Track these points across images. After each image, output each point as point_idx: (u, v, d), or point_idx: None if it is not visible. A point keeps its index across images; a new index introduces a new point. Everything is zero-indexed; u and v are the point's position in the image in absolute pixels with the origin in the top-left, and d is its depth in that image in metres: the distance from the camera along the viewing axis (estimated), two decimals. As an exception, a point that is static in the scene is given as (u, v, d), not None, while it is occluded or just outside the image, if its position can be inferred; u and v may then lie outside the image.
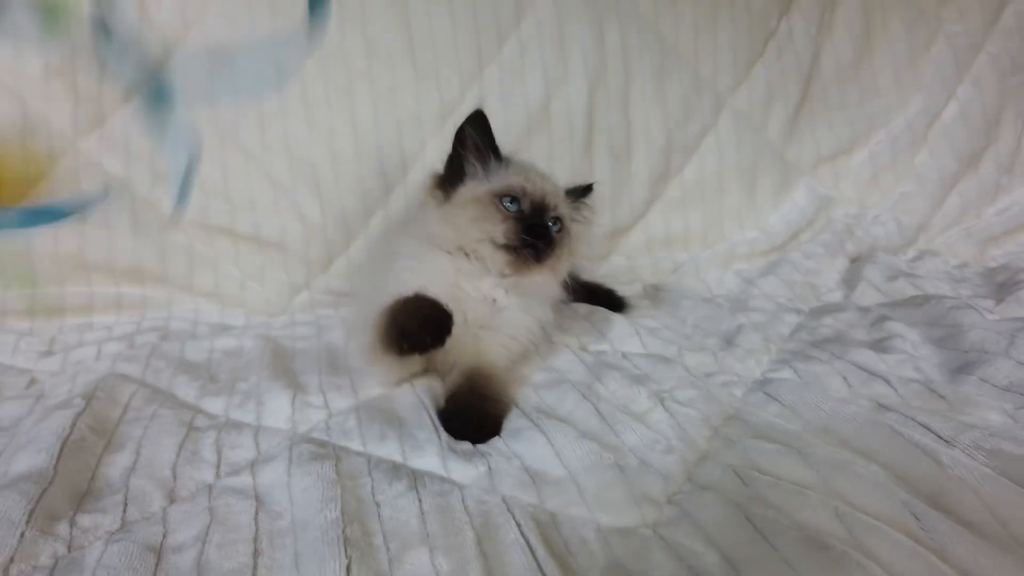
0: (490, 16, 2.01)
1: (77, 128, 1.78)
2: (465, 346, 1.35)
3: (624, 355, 1.49)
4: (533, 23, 2.04)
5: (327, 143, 1.93)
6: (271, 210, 1.91)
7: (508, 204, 1.37)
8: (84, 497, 0.99)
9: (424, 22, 1.97)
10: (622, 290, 1.95)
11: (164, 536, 0.91)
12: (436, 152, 2.00)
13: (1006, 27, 2.43)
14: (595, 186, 1.61)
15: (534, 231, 1.35)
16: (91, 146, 1.79)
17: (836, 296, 1.99)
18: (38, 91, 1.74)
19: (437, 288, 1.32)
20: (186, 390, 1.35)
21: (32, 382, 1.43)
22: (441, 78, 1.99)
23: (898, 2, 2.35)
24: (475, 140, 1.39)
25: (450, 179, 1.42)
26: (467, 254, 1.39)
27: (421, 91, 1.97)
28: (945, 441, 1.05)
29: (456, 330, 1.27)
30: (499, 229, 1.35)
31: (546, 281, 1.44)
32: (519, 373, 1.39)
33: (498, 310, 1.40)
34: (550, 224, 1.38)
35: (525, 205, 1.37)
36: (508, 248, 1.35)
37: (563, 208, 1.43)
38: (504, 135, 2.03)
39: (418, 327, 1.19)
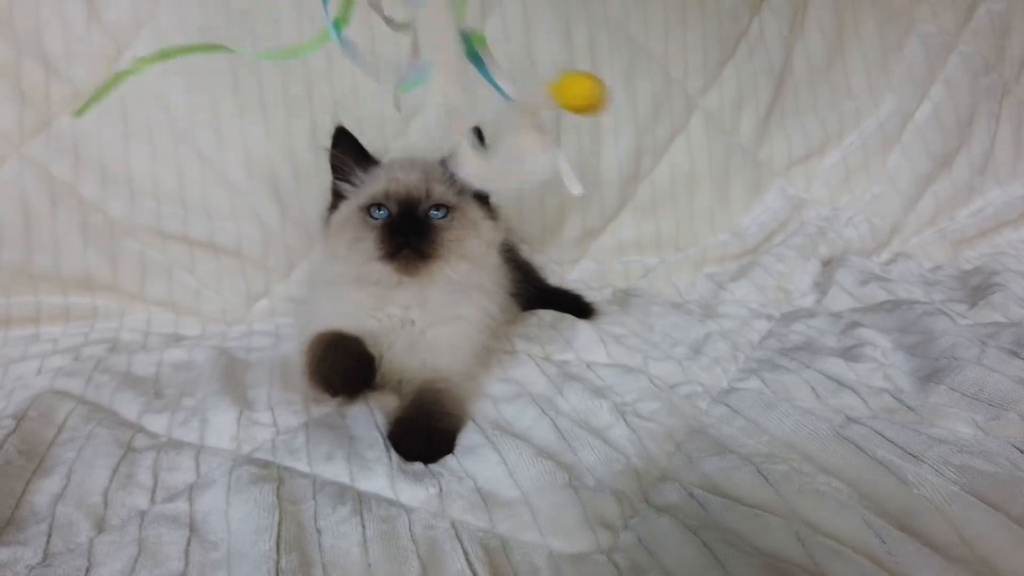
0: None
1: (23, 131, 1.72)
2: (407, 364, 1.31)
3: (588, 365, 1.45)
4: (499, 22, 1.99)
5: (286, 146, 1.87)
6: (227, 215, 1.85)
7: (376, 213, 1.30)
8: (6, 527, 0.93)
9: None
10: (591, 295, 1.90)
11: (88, 570, 0.86)
12: (402, 154, 1.96)
13: (979, 27, 2.42)
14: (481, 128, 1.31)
15: (402, 230, 1.26)
16: (37, 149, 1.72)
17: (808, 300, 1.96)
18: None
19: (358, 325, 1.30)
20: (129, 407, 1.29)
21: (-34, 400, 1.36)
22: (405, 78, 1.94)
23: (870, 2, 2.33)
24: (342, 160, 1.35)
25: (334, 205, 1.38)
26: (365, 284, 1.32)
27: (383, 91, 1.91)
28: (913, 457, 1.01)
29: (391, 355, 1.29)
30: (370, 242, 1.27)
31: (460, 272, 1.32)
32: (474, 382, 1.34)
33: (420, 331, 1.33)
34: (425, 215, 1.30)
35: (392, 207, 1.29)
36: (386, 257, 1.27)
37: (441, 192, 1.32)
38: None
39: (341, 377, 1.20)
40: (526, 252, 1.92)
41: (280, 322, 1.81)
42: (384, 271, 1.28)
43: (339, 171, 1.36)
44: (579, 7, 2.04)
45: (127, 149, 1.78)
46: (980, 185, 2.46)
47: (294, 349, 1.54)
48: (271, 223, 1.87)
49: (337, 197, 1.38)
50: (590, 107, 0.75)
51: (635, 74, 2.11)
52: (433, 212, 1.31)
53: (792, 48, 2.29)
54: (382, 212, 1.30)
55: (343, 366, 1.21)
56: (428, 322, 1.33)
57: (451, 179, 1.32)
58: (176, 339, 1.71)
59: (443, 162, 1.34)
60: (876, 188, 2.37)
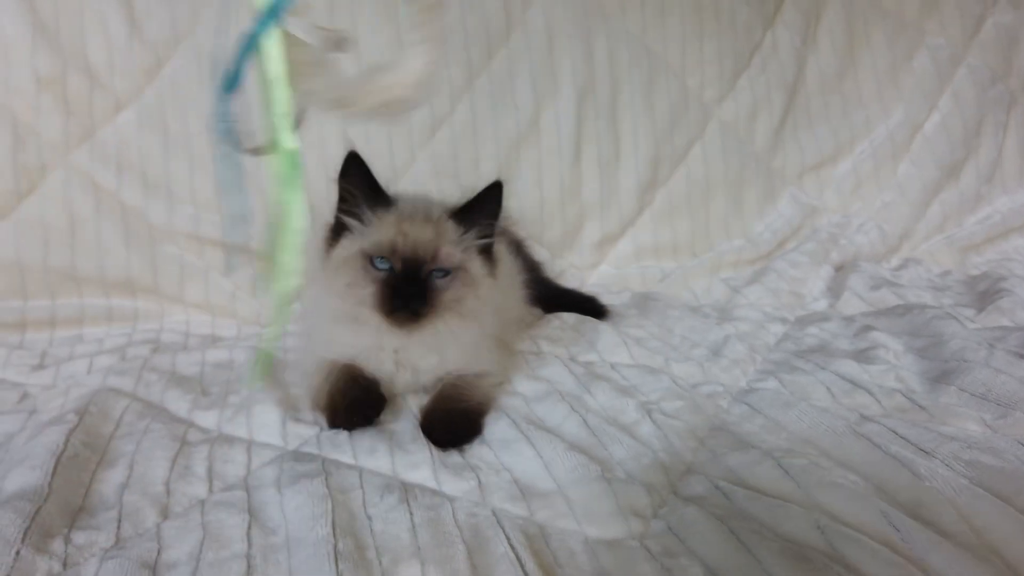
0: (480, 29, 2.04)
1: (68, 140, 1.79)
2: (422, 368, 1.36)
3: (612, 366, 1.52)
4: (523, 36, 2.07)
5: (317, 155, 1.94)
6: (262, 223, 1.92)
7: (379, 263, 1.25)
8: (78, 514, 1.00)
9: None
10: (610, 299, 1.97)
11: (159, 552, 0.92)
12: (426, 165, 2.03)
13: (986, 40, 2.48)
14: (503, 185, 1.30)
15: (401, 293, 1.23)
16: (82, 158, 1.80)
17: (821, 305, 2.02)
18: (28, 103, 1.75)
19: (362, 357, 1.33)
20: (178, 404, 1.36)
21: (24, 396, 1.43)
22: (431, 90, 2.01)
23: (881, 15, 2.40)
24: (350, 190, 1.26)
25: (337, 232, 1.30)
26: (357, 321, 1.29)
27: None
28: (925, 452, 1.07)
29: (397, 379, 1.35)
30: (368, 294, 1.24)
31: (452, 326, 1.29)
32: (496, 370, 1.39)
33: (426, 370, 1.35)
34: (427, 277, 1.26)
35: (396, 263, 1.24)
36: (382, 312, 1.24)
37: (447, 254, 1.27)
38: (493, 147, 2.08)
39: (348, 412, 1.24)
40: (536, 252, 1.99)
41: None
42: (377, 320, 1.26)
43: (346, 202, 1.27)
44: (600, 22, 2.11)
45: (167, 158, 1.86)
46: (987, 193, 2.53)
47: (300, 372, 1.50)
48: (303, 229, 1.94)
49: (340, 227, 1.29)
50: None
51: (654, 85, 2.19)
52: (435, 272, 1.27)
53: (805, 60, 2.36)
54: (385, 265, 1.25)
55: (354, 397, 1.26)
56: (422, 352, 1.33)
57: (461, 234, 1.30)
58: (214, 340, 1.77)
59: (453, 213, 1.30)
60: (886, 196, 2.44)
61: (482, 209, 1.30)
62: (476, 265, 1.31)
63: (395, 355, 1.34)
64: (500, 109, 2.07)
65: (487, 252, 1.35)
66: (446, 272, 1.28)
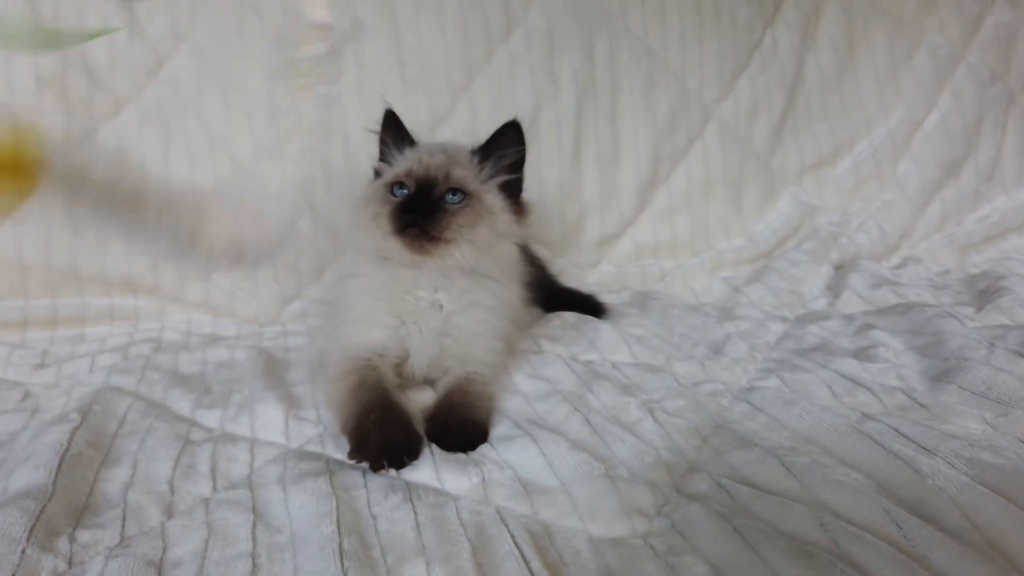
0: (480, 28, 2.04)
1: (68, 139, 1.79)
2: (434, 357, 1.38)
3: (614, 365, 1.52)
4: (523, 35, 2.07)
5: (318, 154, 1.94)
6: (263, 221, 1.92)
7: (397, 191, 1.35)
8: (83, 512, 1.00)
9: (414, 34, 1.99)
10: (610, 298, 1.97)
11: (164, 551, 0.92)
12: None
13: (986, 38, 2.49)
14: (520, 123, 1.39)
15: (412, 208, 1.30)
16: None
17: (821, 304, 2.02)
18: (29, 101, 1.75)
19: (388, 306, 1.35)
20: (180, 403, 1.36)
21: (26, 395, 1.43)
22: (431, 89, 2.02)
23: (880, 14, 2.40)
24: (387, 140, 1.42)
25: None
26: (384, 258, 1.36)
27: (411, 103, 1.99)
28: (926, 450, 1.07)
29: (422, 347, 1.34)
30: (385, 217, 1.31)
31: (468, 258, 1.33)
32: (500, 374, 1.41)
33: (447, 315, 1.37)
34: (441, 197, 1.32)
35: (411, 186, 1.34)
36: (396, 233, 1.30)
37: (459, 176, 1.34)
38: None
39: (383, 454, 1.10)
40: (539, 251, 1.99)
41: (312, 324, 1.88)
42: (396, 247, 1.32)
43: (383, 153, 1.43)
44: (600, 22, 2.12)
45: (167, 157, 1.86)
46: (987, 192, 2.54)
47: (324, 349, 1.58)
48: (303, 228, 1.95)
49: (378, 176, 1.44)
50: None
51: (654, 85, 2.19)
52: (449, 196, 1.33)
53: (804, 59, 2.36)
54: (403, 191, 1.34)
55: (391, 441, 1.13)
56: (453, 307, 1.37)
57: (479, 167, 1.37)
58: (214, 339, 1.77)
59: (474, 150, 1.40)
60: (886, 195, 2.44)
61: (499, 145, 1.38)
62: (492, 196, 1.37)
63: (430, 296, 1.36)
64: (500, 108, 2.07)
65: (515, 196, 1.41)
66: (460, 196, 1.33)
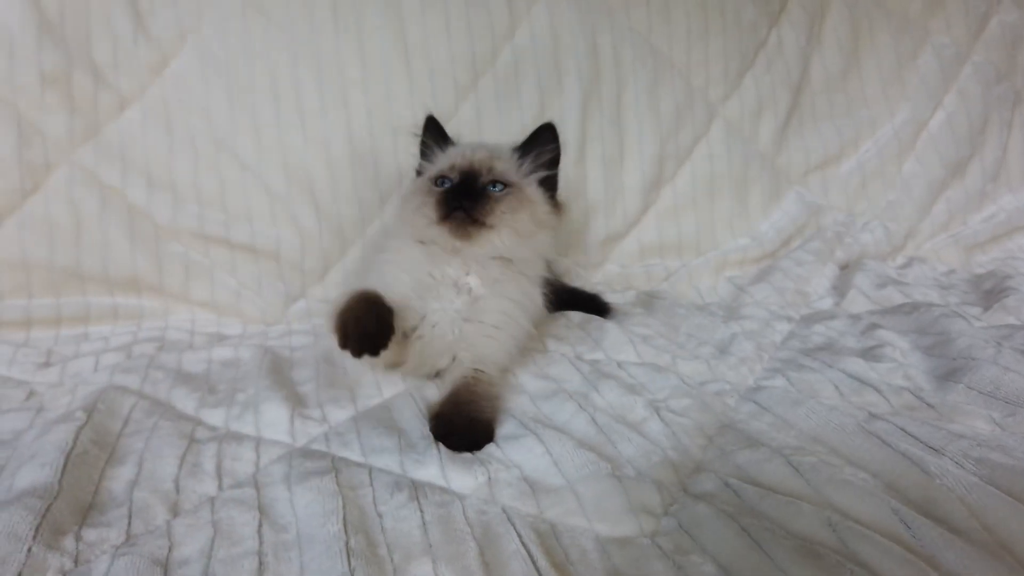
0: (485, 26, 2.03)
1: (73, 138, 1.79)
2: (451, 343, 1.39)
3: (619, 364, 1.52)
4: (527, 33, 2.06)
5: (323, 153, 1.94)
6: (267, 220, 1.92)
7: (441, 183, 1.42)
8: (89, 511, 1.00)
9: (419, 32, 1.99)
10: (615, 297, 1.97)
11: (170, 550, 0.92)
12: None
13: (991, 38, 2.48)
14: (554, 125, 1.51)
15: (457, 195, 1.36)
16: (87, 156, 1.80)
17: (826, 303, 2.02)
18: (33, 101, 1.75)
19: (411, 277, 1.40)
20: (185, 402, 1.36)
21: (31, 394, 1.43)
22: (436, 88, 2.01)
23: (885, 13, 2.40)
24: (428, 143, 1.53)
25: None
26: (426, 243, 1.43)
27: (416, 101, 1.99)
28: (934, 450, 1.07)
29: (440, 328, 1.38)
30: (431, 207, 1.38)
31: (508, 245, 1.40)
32: (507, 375, 1.42)
33: (475, 299, 1.41)
34: (483, 187, 1.39)
35: (455, 178, 1.41)
36: (441, 219, 1.37)
37: (502, 169, 1.43)
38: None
39: (356, 341, 1.24)
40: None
41: (317, 322, 1.88)
42: (440, 233, 1.38)
43: (424, 154, 1.54)
44: (605, 19, 2.11)
45: (172, 156, 1.86)
46: (992, 192, 2.53)
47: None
48: (308, 227, 1.94)
49: (420, 175, 1.53)
50: None
51: (659, 83, 2.18)
52: (491, 186, 1.40)
53: (809, 58, 2.35)
54: (446, 183, 1.41)
55: (363, 321, 1.26)
56: (482, 292, 1.41)
57: (518, 163, 1.45)
58: (219, 338, 1.77)
59: (514, 148, 1.48)
60: (891, 194, 2.43)
61: (537, 144, 1.48)
62: (533, 188, 1.45)
63: (458, 275, 1.41)
64: (505, 108, 2.07)
65: (550, 193, 1.49)
66: (503, 187, 1.40)
